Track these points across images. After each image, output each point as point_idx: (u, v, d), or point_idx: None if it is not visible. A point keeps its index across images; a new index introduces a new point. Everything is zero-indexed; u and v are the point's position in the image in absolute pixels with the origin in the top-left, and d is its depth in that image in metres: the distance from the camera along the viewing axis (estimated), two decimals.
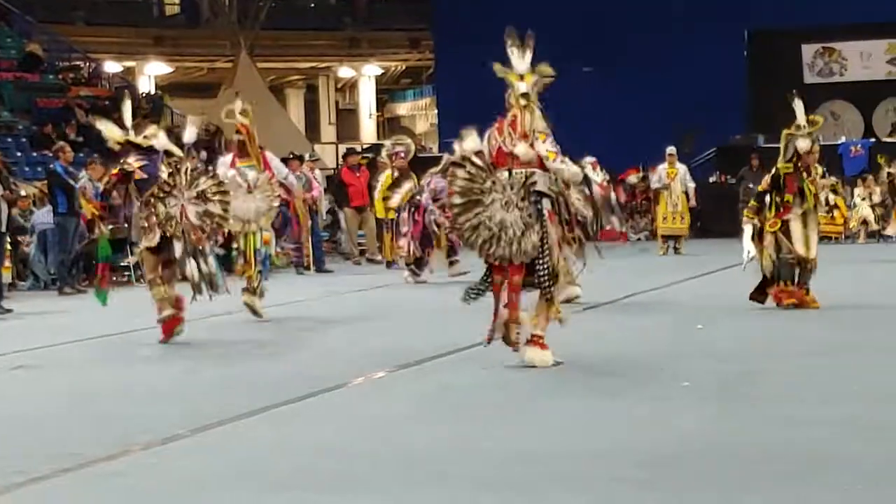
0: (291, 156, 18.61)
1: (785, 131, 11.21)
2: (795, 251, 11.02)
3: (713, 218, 24.63)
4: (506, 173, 7.97)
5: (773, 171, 11.26)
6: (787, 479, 5.12)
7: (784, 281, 11.09)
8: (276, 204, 12.25)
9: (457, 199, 7.99)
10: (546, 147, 7.98)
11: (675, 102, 26.25)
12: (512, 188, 7.95)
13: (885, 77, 27.24)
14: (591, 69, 28.39)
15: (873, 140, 26.12)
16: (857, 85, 27.17)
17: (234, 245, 12.18)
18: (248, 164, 12.07)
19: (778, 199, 11.07)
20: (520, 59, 8.08)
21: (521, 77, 8.07)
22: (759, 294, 11.20)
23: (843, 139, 25.78)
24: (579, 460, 5.50)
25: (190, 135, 11.49)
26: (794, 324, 10.34)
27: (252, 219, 11.81)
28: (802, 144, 10.99)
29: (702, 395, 7.08)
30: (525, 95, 8.03)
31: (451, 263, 15.62)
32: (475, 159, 7.96)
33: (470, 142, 8.02)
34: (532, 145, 7.99)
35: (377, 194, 19.52)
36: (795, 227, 11.09)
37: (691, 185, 21.35)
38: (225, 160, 12.29)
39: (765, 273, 11.14)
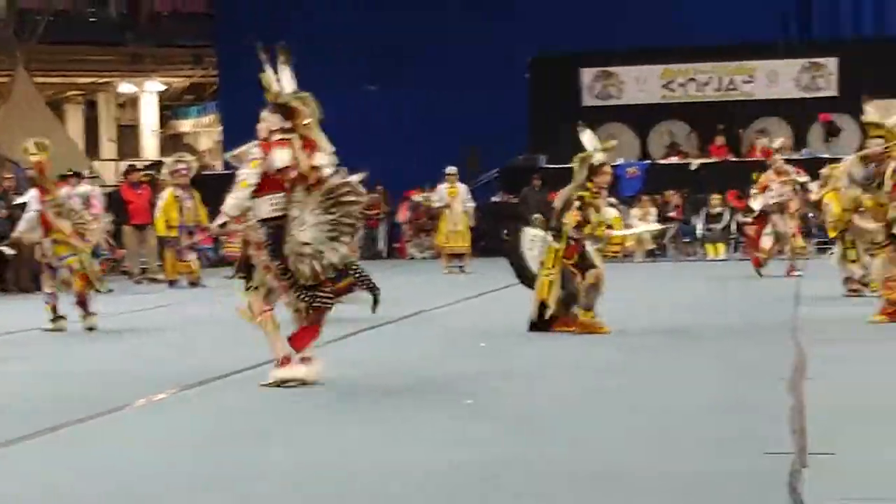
0: (70, 172, 18.14)
1: (578, 156, 11.05)
2: (589, 275, 10.82)
3: (497, 237, 24.96)
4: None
5: (569, 194, 10.93)
6: (568, 494, 5.21)
7: (568, 313, 10.89)
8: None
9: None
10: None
11: (459, 123, 26.56)
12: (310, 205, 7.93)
13: (660, 101, 28.11)
14: (375, 87, 28.51)
15: (649, 162, 26.92)
16: (634, 108, 27.96)
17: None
18: (51, 198, 12.15)
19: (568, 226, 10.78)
20: (281, 75, 8.06)
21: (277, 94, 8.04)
22: (542, 324, 10.90)
23: (620, 161, 26.52)
24: (359, 479, 5.49)
25: None
26: (578, 345, 10.52)
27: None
28: (599, 157, 11.01)
29: (485, 413, 7.16)
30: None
31: None
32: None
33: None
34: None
35: (158, 212, 19.20)
36: (591, 248, 10.98)
37: (471, 204, 21.63)
38: (34, 194, 12.34)
39: (550, 308, 10.87)
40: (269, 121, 8.08)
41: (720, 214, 24.35)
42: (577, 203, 10.86)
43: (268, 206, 7.99)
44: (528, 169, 26.26)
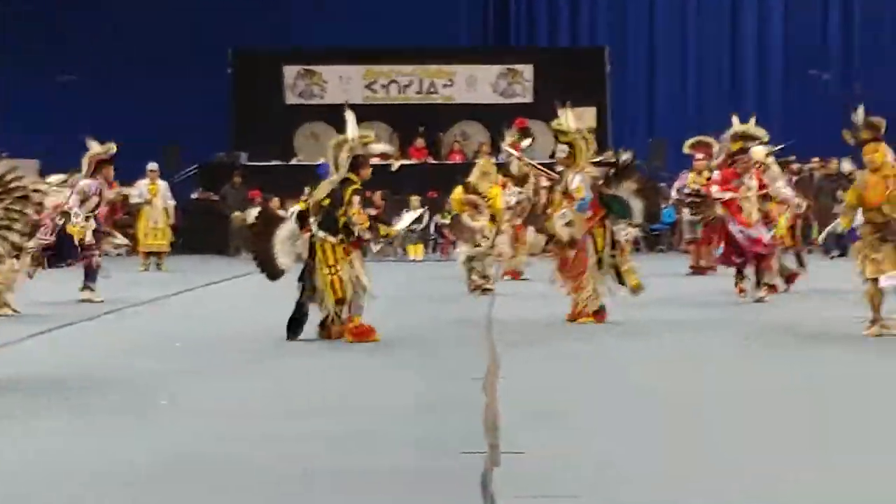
0: None
1: (334, 140, 10.83)
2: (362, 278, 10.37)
3: (196, 234, 24.63)
4: None
5: (337, 187, 10.51)
6: (258, 491, 5.21)
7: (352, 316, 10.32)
8: None
9: None
10: None
11: (158, 118, 25.99)
12: None
13: (362, 101, 28.30)
14: (73, 76, 27.58)
15: None
16: (336, 108, 27.94)
17: None
18: None
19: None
20: None
21: None
22: (323, 330, 10.37)
23: (322, 160, 26.55)
24: (35, 480, 5.34)
25: None
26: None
27: None
28: (378, 147, 10.84)
29: (179, 412, 7.07)
30: None
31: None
32: None
33: None
34: None
35: None
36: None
37: (171, 202, 21.23)
38: None
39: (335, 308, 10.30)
40: None
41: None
42: (357, 199, 10.43)
43: None
44: (228, 166, 26.00)
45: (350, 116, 10.83)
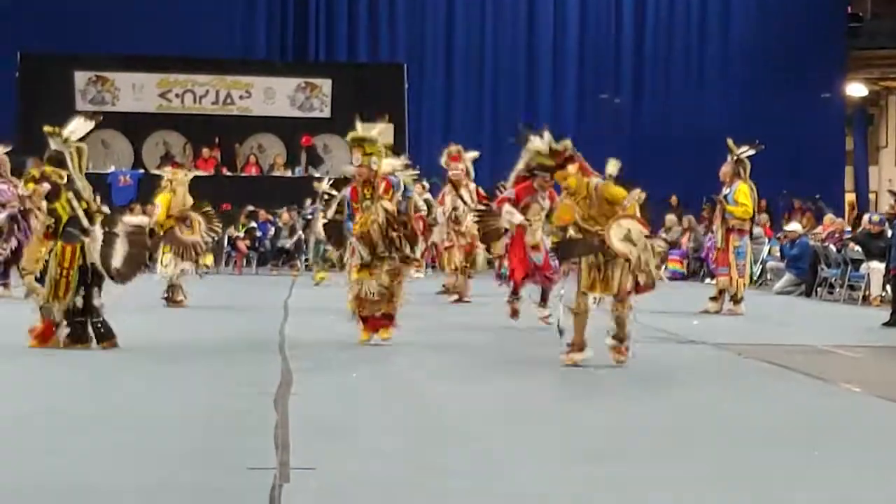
0: None
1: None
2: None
3: None
4: None
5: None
6: None
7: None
8: None
9: None
10: None
11: None
12: None
13: (156, 110, 27.80)
14: None
15: (143, 171, 26.50)
16: (129, 116, 27.45)
17: None
18: None
19: None
20: None
21: None
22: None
23: (112, 168, 26.00)
24: None
25: None
26: (101, 355, 10.14)
27: None
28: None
29: None
30: None
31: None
32: None
33: None
34: None
35: None
36: None
37: None
38: None
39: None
40: None
41: None
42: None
43: None
44: (12, 171, 25.16)
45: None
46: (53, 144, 10.26)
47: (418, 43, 29.42)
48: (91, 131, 10.47)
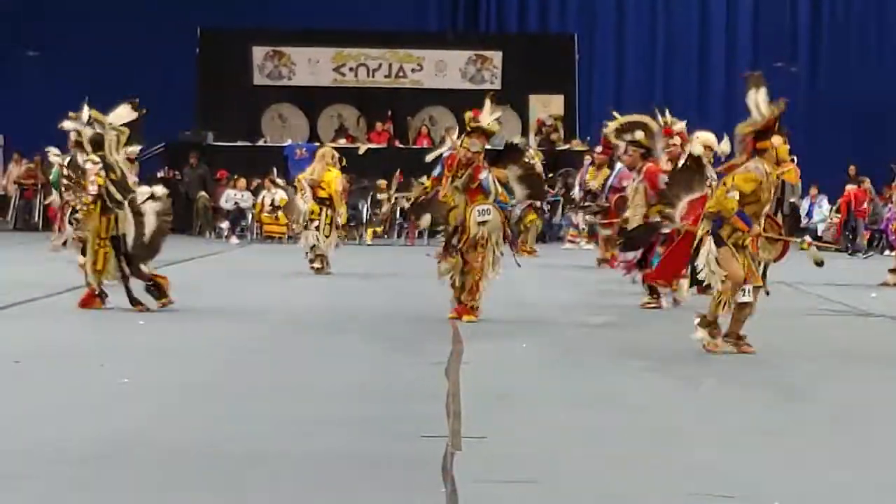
0: None
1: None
2: None
3: None
4: None
5: None
6: (227, 476, 5.17)
7: None
8: None
9: None
10: None
11: (126, 96, 25.67)
12: None
13: (330, 84, 28.16)
14: (37, 53, 27.35)
15: (318, 144, 26.90)
16: (304, 90, 27.89)
17: None
18: None
19: None
20: None
21: None
22: None
23: (289, 141, 26.44)
24: (13, 457, 5.28)
25: None
26: (218, 324, 10.43)
27: None
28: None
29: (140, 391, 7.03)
30: None
31: None
32: None
33: None
34: None
35: None
36: None
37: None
38: None
39: None
40: None
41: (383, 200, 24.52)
42: None
43: None
44: (194, 145, 25.88)
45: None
46: (97, 128, 11.16)
47: (589, 13, 29.20)
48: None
